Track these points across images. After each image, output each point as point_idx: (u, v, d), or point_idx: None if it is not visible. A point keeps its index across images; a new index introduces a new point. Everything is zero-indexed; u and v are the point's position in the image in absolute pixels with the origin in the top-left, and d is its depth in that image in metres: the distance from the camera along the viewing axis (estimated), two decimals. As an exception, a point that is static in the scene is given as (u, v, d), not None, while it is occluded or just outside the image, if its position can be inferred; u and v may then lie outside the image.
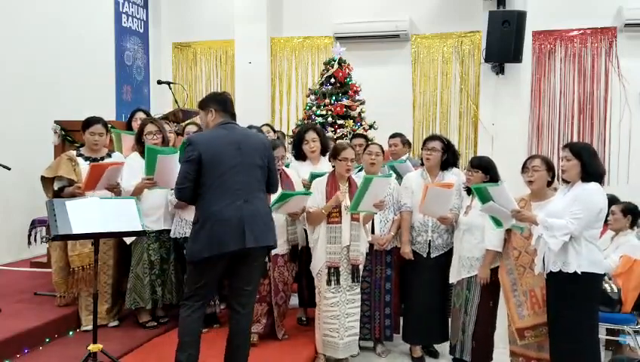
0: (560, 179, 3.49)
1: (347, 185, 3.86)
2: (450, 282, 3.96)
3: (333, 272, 3.73)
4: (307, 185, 4.08)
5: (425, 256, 3.98)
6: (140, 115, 4.71)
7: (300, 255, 4.18)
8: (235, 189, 2.98)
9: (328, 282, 3.73)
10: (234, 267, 3.09)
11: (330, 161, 3.95)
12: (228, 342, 3.18)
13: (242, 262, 3.07)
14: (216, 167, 2.97)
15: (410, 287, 4.09)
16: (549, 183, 3.58)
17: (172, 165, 3.70)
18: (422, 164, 4.17)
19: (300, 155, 4.49)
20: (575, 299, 3.16)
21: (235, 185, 2.98)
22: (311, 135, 4.41)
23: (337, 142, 4.21)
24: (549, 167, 3.54)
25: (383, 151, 4.21)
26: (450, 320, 4.04)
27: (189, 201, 3.13)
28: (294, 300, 4.59)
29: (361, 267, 3.82)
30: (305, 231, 4.08)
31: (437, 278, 4.01)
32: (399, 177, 4.37)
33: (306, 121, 5.99)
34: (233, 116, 3.21)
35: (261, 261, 3.24)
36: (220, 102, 3.19)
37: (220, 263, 3.02)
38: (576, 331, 3.18)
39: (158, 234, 4.07)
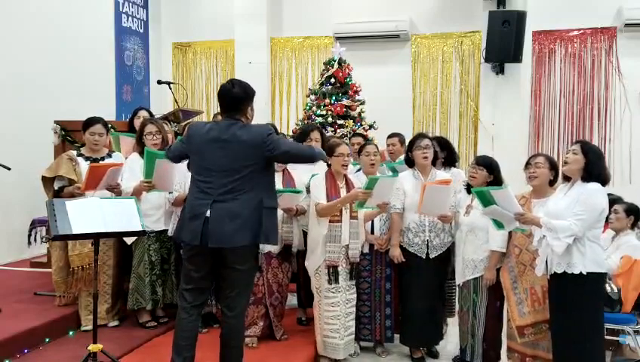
0: (560, 173, 3.47)
1: (344, 182, 3.85)
2: (456, 284, 3.95)
3: (332, 271, 3.73)
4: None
5: (424, 257, 3.92)
6: (143, 114, 4.70)
7: (297, 255, 4.17)
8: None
9: (328, 281, 3.73)
10: (218, 268, 3.12)
11: None
12: (220, 343, 3.19)
13: (222, 263, 3.08)
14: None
15: (408, 290, 4.02)
16: (552, 183, 3.57)
17: (170, 169, 3.70)
18: (410, 165, 4.10)
19: None
20: (581, 299, 3.14)
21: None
22: (315, 135, 4.34)
23: (331, 140, 4.21)
24: (552, 166, 3.55)
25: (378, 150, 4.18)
26: (458, 323, 3.99)
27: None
28: (293, 300, 4.59)
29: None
30: (302, 231, 4.06)
31: (435, 280, 3.99)
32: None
33: (306, 121, 5.98)
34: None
35: (246, 266, 3.13)
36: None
37: (198, 255, 3.07)
38: (582, 331, 3.15)
39: (158, 234, 4.07)
